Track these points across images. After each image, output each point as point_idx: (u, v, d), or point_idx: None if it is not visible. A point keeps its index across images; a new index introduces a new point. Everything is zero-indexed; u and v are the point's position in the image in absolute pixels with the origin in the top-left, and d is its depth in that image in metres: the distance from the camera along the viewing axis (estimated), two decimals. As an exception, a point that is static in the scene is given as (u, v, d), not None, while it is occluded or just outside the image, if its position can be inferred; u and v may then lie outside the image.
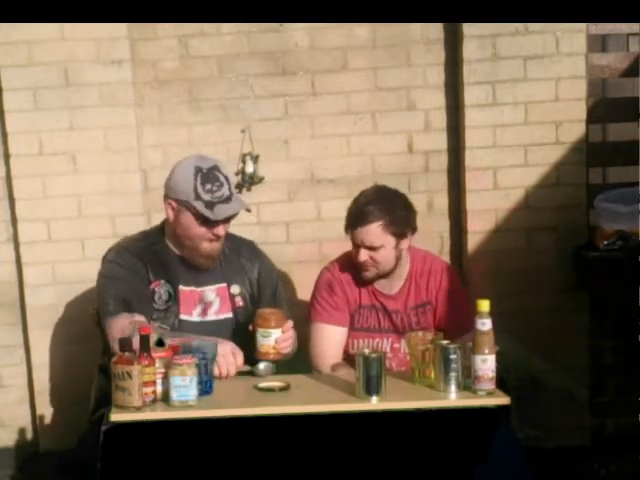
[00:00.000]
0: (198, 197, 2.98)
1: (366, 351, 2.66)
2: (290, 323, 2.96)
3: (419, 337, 2.81)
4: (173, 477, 2.59)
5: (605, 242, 3.68)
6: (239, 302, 3.17)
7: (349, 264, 3.23)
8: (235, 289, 3.17)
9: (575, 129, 3.80)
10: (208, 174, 3.00)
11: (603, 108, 3.89)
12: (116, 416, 2.52)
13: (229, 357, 2.80)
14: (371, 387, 2.59)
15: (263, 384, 2.76)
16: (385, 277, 3.21)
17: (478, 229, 3.85)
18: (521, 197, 3.83)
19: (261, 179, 3.88)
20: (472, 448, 2.60)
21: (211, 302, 3.12)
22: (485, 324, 2.57)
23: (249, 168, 3.85)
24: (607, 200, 3.72)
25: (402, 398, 2.64)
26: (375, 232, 3.10)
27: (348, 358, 3.16)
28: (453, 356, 2.61)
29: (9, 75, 3.71)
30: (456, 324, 3.05)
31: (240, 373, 2.87)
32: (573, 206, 3.83)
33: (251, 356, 2.94)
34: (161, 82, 3.86)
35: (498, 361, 2.61)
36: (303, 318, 3.27)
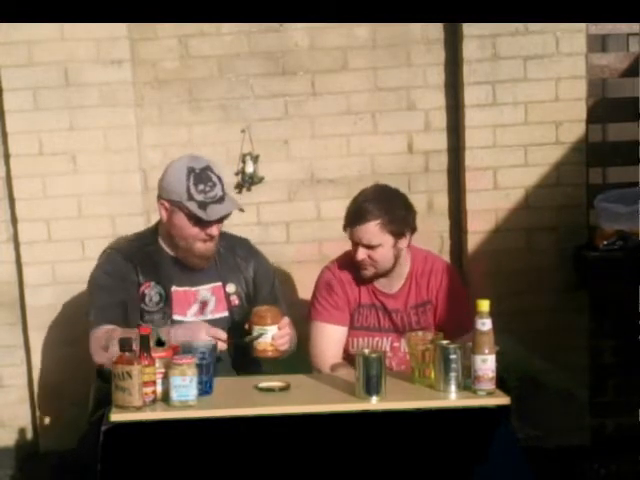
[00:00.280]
0: (191, 198, 2.97)
1: (366, 351, 2.66)
2: (286, 319, 2.95)
3: (419, 337, 2.81)
4: (173, 477, 2.59)
5: (605, 242, 3.68)
6: (235, 301, 3.16)
7: (349, 263, 3.23)
8: (230, 288, 3.17)
9: (575, 129, 3.80)
10: (201, 174, 2.99)
11: (603, 108, 3.89)
12: (116, 416, 2.52)
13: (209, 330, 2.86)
14: (371, 387, 2.59)
15: (263, 384, 2.76)
16: (385, 276, 3.22)
17: (478, 229, 3.85)
18: (521, 197, 3.83)
19: (261, 179, 3.88)
20: (472, 448, 2.60)
21: (207, 301, 3.12)
22: (485, 324, 2.57)
23: (249, 168, 3.85)
24: (607, 200, 3.72)
25: (402, 398, 2.64)
26: (373, 230, 3.10)
27: (348, 357, 3.16)
28: (453, 356, 2.61)
29: (9, 75, 3.71)
30: (456, 324, 3.05)
31: (235, 343, 2.92)
32: (573, 206, 3.83)
33: (248, 355, 2.94)
34: (161, 82, 3.86)
35: (498, 361, 2.61)
36: (303, 318, 3.27)
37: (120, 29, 3.68)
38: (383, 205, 3.11)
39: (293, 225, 3.95)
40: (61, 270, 3.79)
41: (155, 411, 2.55)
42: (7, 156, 3.79)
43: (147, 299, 3.05)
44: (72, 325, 3.75)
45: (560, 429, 3.81)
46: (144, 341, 2.56)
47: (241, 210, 3.10)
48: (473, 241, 3.86)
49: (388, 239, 3.12)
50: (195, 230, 3.02)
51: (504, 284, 3.78)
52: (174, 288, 3.09)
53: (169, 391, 2.56)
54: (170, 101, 3.87)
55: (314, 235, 3.93)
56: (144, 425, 2.52)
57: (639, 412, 3.19)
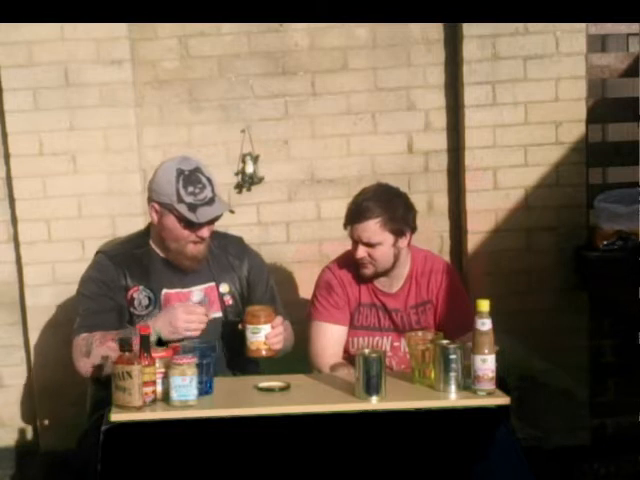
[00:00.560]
0: (181, 200, 2.96)
1: (366, 351, 2.66)
2: (279, 318, 2.95)
3: (419, 337, 2.81)
4: (173, 477, 2.60)
5: (605, 242, 3.69)
6: (228, 301, 3.15)
7: (349, 263, 3.23)
8: (224, 288, 3.15)
9: (575, 129, 3.80)
10: (190, 176, 2.98)
11: (603, 108, 3.89)
12: (116, 416, 2.52)
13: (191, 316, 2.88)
14: (371, 387, 2.59)
15: (263, 384, 2.76)
16: (385, 275, 3.22)
17: (478, 229, 3.85)
18: (521, 197, 3.83)
19: (261, 179, 3.88)
20: (472, 448, 2.60)
21: (200, 302, 3.11)
22: (485, 324, 2.58)
23: (249, 168, 3.85)
24: (607, 200, 3.73)
25: (402, 398, 2.64)
26: (373, 228, 3.10)
27: (348, 357, 3.16)
28: (453, 356, 2.61)
29: (9, 75, 3.71)
30: (456, 324, 3.05)
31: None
32: (573, 206, 3.83)
33: (242, 354, 2.94)
34: (161, 82, 3.86)
35: (498, 361, 2.61)
36: (303, 317, 3.27)
37: (120, 29, 3.68)
38: (384, 204, 3.11)
39: (293, 225, 3.95)
40: (61, 270, 3.78)
41: (155, 411, 2.56)
42: (7, 156, 3.78)
43: (136, 303, 3.04)
44: (72, 325, 3.74)
45: (560, 429, 3.82)
46: (144, 341, 2.57)
47: (231, 212, 3.09)
48: (473, 241, 3.86)
49: (388, 237, 3.12)
50: (186, 232, 3.01)
51: (504, 284, 3.79)
52: (165, 291, 3.08)
53: (169, 391, 2.56)
54: (170, 101, 3.87)
55: (314, 235, 3.93)
56: (144, 425, 2.53)
57: (639, 412, 3.19)
